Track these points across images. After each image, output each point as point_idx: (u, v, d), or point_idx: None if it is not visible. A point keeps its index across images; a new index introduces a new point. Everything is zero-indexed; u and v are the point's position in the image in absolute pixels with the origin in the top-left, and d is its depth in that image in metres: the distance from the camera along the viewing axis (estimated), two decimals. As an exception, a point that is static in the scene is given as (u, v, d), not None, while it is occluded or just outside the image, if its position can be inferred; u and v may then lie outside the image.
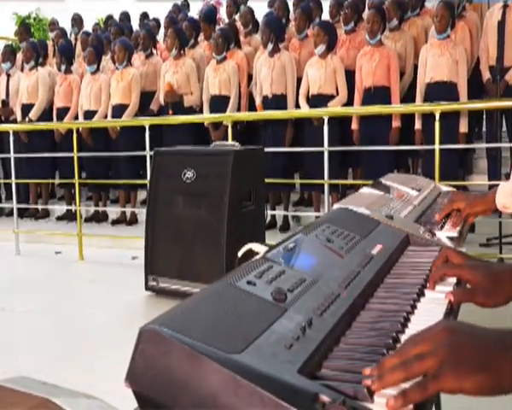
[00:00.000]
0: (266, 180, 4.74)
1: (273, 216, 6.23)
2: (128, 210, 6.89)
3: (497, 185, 1.61)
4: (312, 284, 0.97)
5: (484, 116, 6.02)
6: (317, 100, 5.77)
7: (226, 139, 5.50)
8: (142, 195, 7.34)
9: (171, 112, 6.34)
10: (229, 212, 3.70)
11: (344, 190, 6.06)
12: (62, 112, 7.12)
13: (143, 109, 6.81)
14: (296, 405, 0.64)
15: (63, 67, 7.17)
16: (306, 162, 6.03)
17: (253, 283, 0.91)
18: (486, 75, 5.49)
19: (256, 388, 0.65)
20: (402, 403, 0.66)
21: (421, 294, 1.03)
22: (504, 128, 5.53)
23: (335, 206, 1.64)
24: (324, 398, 0.65)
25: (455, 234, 1.57)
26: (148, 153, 5.70)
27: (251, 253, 1.23)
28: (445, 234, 1.60)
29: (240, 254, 1.26)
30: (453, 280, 1.08)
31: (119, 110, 6.64)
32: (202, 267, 3.78)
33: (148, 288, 4.16)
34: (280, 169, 5.94)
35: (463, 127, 5.23)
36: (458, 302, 0.98)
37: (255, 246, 1.22)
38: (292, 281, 0.95)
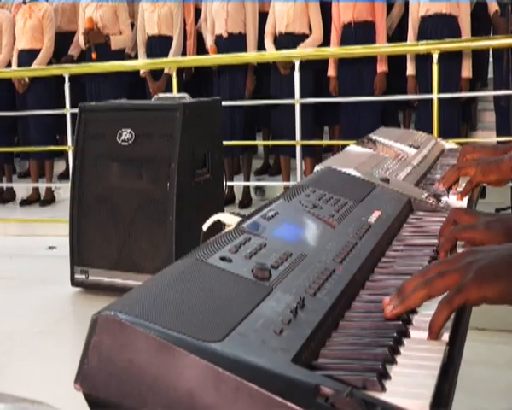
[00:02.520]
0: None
1: (230, 188, 6.25)
2: (42, 186, 6.79)
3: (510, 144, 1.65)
4: (301, 259, 0.99)
5: (490, 59, 6.14)
6: (286, 40, 5.78)
7: (169, 92, 5.46)
8: (60, 166, 7.25)
9: (94, 55, 6.24)
10: (178, 182, 3.70)
11: (319, 153, 6.12)
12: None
13: (60, 55, 6.69)
14: (293, 400, 0.66)
15: None
16: (272, 119, 6.06)
17: (229, 259, 0.93)
18: (494, 7, 5.60)
19: (243, 381, 0.67)
20: (435, 331, 0.82)
21: (431, 268, 1.07)
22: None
23: (318, 167, 1.67)
24: (327, 390, 0.67)
25: (463, 203, 1.61)
26: (68, 111, 5.62)
27: (218, 226, 1.25)
28: (453, 201, 1.64)
29: (205, 227, 1.28)
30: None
31: (27, 57, 6.51)
32: (145, 253, 3.77)
33: (74, 283, 4.14)
34: (238, 128, 5.96)
35: (466, 71, 5.33)
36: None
37: (224, 217, 1.24)
38: (275, 256, 0.98)
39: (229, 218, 1.23)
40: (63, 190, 6.43)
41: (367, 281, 1.04)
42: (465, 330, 0.94)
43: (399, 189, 1.57)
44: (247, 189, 6.24)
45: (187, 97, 4.06)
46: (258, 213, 1.15)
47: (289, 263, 0.97)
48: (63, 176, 7.02)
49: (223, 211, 4.14)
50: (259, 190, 6.39)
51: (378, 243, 1.16)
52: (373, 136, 2.23)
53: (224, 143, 4.69)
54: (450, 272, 0.85)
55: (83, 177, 4.04)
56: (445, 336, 0.83)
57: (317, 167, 1.68)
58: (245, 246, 0.99)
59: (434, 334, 0.83)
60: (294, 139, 5.05)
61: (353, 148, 2.07)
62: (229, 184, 6.11)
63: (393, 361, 0.77)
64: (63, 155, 6.95)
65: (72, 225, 4.08)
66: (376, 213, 1.30)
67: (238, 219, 1.18)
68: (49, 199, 6.79)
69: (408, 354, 0.79)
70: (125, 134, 3.87)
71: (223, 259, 0.92)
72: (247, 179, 6.26)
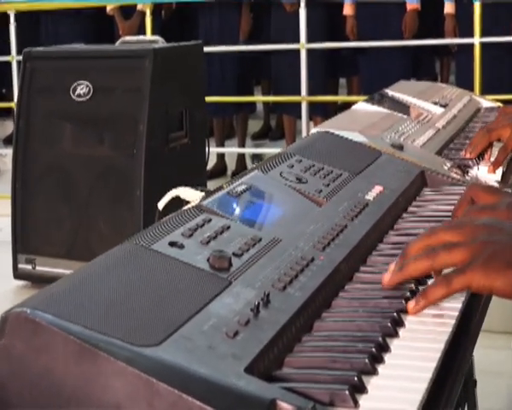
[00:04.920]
0: (209, 98, 4.72)
1: (221, 156, 6.25)
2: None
3: None
4: (272, 245, 1.01)
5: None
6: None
7: (143, 33, 5.45)
8: (7, 127, 7.24)
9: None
10: (147, 148, 3.69)
11: (333, 112, 6.11)
12: None
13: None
14: (243, 418, 0.68)
15: None
16: (273, 69, 6.04)
17: (180, 244, 0.94)
18: None
19: (181, 395, 0.68)
20: (424, 303, 0.89)
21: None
22: None
23: (314, 130, 1.69)
24: (285, 406, 0.69)
25: (496, 176, 1.62)
26: (14, 58, 5.62)
27: (180, 204, 1.26)
28: (484, 173, 1.65)
29: (161, 205, 1.29)
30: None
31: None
32: (106, 238, 3.77)
33: (18, 275, 4.14)
34: (231, 80, 5.94)
35: (519, 9, 5.31)
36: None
37: (185, 192, 1.25)
38: (240, 241, 0.99)
39: (190, 193, 1.24)
40: (10, 158, 6.41)
41: (356, 272, 1.05)
42: (474, 335, 0.96)
43: (414, 158, 1.58)
44: (241, 157, 6.23)
45: (160, 41, 4.05)
46: (225, 189, 1.16)
47: (256, 250, 0.98)
48: (10, 140, 7.00)
49: (205, 184, 4.15)
50: (258, 158, 6.38)
51: (375, 226, 1.18)
52: (389, 91, 2.24)
53: (214, 99, 4.70)
54: (458, 247, 0.90)
55: (28, 141, 4.04)
56: (443, 339, 0.85)
57: (313, 130, 1.70)
58: (203, 229, 1.00)
59: (420, 306, 0.90)
60: (300, 94, 5.04)
61: (363, 106, 2.08)
62: (219, 150, 6.11)
63: (374, 372, 0.79)
64: (9, 112, 6.94)
65: (16, 203, 4.07)
66: (377, 189, 1.31)
67: (201, 194, 1.20)
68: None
69: (393, 364, 0.81)
70: (81, 88, 3.86)
71: (172, 244, 0.94)
72: (242, 145, 6.26)
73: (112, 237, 3.76)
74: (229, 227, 1.02)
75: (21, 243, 4.09)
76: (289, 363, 0.81)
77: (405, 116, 1.97)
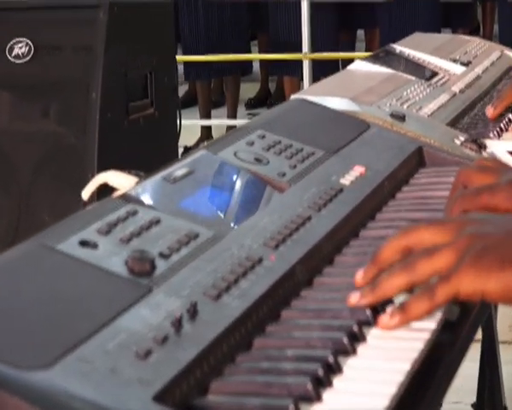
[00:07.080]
0: (191, 57, 4.71)
1: (207, 129, 6.25)
2: None
3: None
4: (211, 243, 1.02)
5: None
6: None
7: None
8: None
9: None
10: (102, 122, 3.67)
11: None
12: None
13: None
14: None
15: None
16: (272, 20, 6.04)
17: (93, 243, 0.96)
18: None
19: (73, 429, 0.70)
20: (400, 320, 0.89)
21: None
22: None
23: (292, 97, 1.70)
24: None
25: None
26: None
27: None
28: (505, 146, 1.66)
29: (85, 194, 1.31)
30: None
31: None
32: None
33: None
34: (219, 34, 5.94)
35: None
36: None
37: (114, 177, 1.26)
38: (171, 238, 1.00)
39: (121, 179, 1.25)
40: None
41: (317, 276, 1.06)
42: (458, 354, 0.97)
43: (415, 130, 1.58)
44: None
45: (118, -12, 4.04)
46: (161, 173, 1.17)
47: (190, 250, 0.99)
48: None
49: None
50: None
51: (348, 217, 1.18)
52: (398, 46, 2.24)
53: (194, 58, 4.66)
54: (441, 249, 0.89)
55: (-45, 115, 4.04)
56: (410, 357, 0.86)
57: (290, 98, 1.71)
58: (125, 224, 1.01)
59: (395, 323, 0.89)
60: (301, 51, 5.05)
61: (361, 65, 2.08)
62: (204, 123, 6.11)
63: (317, 398, 0.79)
64: None
65: None
66: (357, 170, 1.32)
67: (135, 180, 1.21)
68: None
69: (343, 388, 0.82)
70: (20, 47, 3.85)
71: (83, 243, 0.95)
72: (233, 115, 6.26)
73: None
74: (158, 221, 1.03)
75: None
76: (216, 389, 0.82)
77: (414, 78, 1.97)
